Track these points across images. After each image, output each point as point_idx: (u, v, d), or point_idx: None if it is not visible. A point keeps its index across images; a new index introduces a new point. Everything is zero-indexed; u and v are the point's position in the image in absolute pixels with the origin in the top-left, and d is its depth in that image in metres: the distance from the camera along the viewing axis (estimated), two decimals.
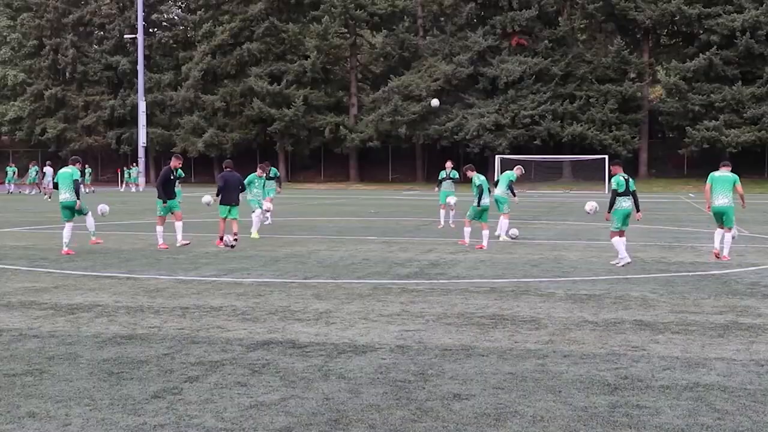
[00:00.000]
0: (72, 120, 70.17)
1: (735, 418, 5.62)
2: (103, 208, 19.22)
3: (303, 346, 7.71)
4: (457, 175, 22.85)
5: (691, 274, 12.96)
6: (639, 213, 14.61)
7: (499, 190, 19.68)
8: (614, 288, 11.40)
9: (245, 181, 19.03)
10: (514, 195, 20.09)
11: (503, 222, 19.02)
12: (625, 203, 14.31)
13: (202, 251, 16.03)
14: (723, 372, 6.83)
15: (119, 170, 62.30)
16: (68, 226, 16.03)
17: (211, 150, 65.02)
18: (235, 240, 16.85)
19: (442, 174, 23.06)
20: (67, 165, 17.05)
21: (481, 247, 16.69)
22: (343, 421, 5.50)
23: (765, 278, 12.49)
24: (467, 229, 17.22)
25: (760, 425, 5.48)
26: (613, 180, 14.53)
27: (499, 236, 18.81)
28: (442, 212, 22.50)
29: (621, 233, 14.21)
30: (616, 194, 14.23)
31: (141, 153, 64.14)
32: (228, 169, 18.00)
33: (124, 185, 58.83)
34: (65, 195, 16.20)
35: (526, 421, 5.51)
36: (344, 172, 66.17)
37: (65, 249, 15.66)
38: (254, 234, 18.98)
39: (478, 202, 16.90)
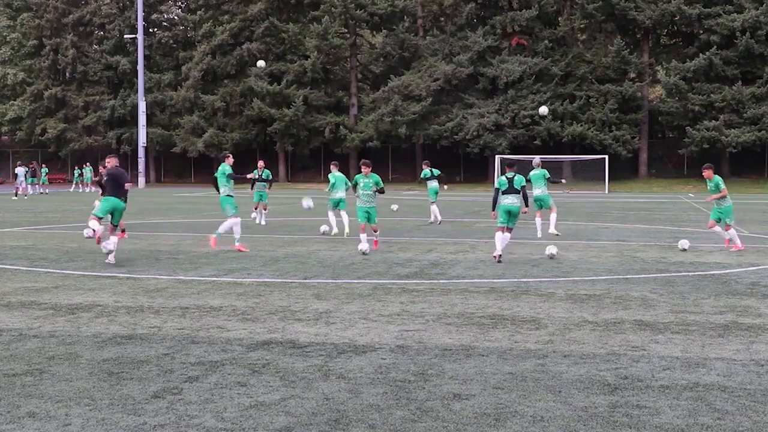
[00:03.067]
0: (72, 120, 70.23)
1: (735, 418, 5.62)
2: (308, 203, 19.29)
3: (303, 346, 7.71)
4: (439, 172, 24.35)
5: (691, 274, 12.96)
6: (526, 208, 15.36)
7: (538, 191, 19.75)
8: (614, 288, 11.40)
9: (352, 183, 17.60)
10: (555, 182, 20.39)
11: (552, 216, 19.53)
12: (505, 200, 14.88)
13: (202, 251, 16.02)
14: (723, 372, 6.83)
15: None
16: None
17: (211, 150, 65.10)
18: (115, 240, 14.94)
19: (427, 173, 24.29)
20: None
21: (375, 246, 16.48)
22: (343, 421, 5.50)
23: (765, 278, 12.48)
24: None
25: (760, 425, 5.48)
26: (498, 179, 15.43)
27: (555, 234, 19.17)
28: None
29: (502, 229, 14.79)
30: (497, 192, 15.02)
31: (141, 153, 64.17)
32: (112, 165, 15.87)
33: (73, 185, 57.20)
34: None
35: (526, 421, 5.51)
36: (344, 172, 65.78)
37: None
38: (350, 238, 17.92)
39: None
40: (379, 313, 9.40)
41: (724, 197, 16.73)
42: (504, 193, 14.87)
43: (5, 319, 8.99)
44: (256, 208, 23.42)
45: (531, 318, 9.14)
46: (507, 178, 15.03)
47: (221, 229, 16.38)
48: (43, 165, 58.64)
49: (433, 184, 23.88)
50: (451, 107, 60.77)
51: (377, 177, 16.74)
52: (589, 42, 63.31)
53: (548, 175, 20.07)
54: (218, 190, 16.61)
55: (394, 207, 25.08)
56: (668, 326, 8.70)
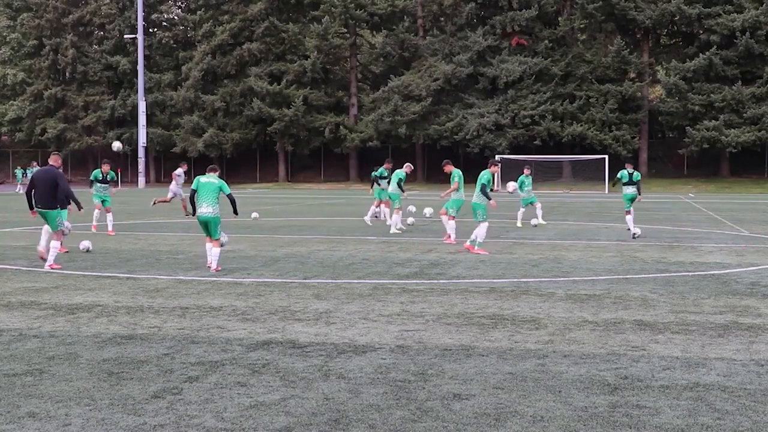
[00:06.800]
0: (72, 120, 70.18)
1: (735, 418, 5.62)
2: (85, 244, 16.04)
3: (303, 346, 7.71)
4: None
5: (691, 274, 12.96)
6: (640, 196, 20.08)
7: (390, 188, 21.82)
8: (614, 288, 11.40)
9: (483, 180, 15.93)
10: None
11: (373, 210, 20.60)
12: (626, 190, 20.06)
13: (202, 251, 16.00)
14: (723, 372, 6.83)
15: (119, 170, 62.14)
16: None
17: (211, 150, 65.09)
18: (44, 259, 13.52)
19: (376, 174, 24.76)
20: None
21: (217, 269, 13.07)
22: (343, 421, 5.50)
23: (765, 278, 12.49)
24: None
25: (760, 425, 5.48)
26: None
27: None
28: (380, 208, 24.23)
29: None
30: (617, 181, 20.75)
31: (141, 153, 64.15)
32: (36, 165, 14.48)
33: (19, 186, 56.49)
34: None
35: (526, 421, 5.51)
36: (344, 172, 66.20)
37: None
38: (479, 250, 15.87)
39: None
40: (379, 313, 9.40)
41: (455, 190, 17.74)
42: (625, 184, 20.07)
43: (5, 319, 8.99)
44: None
45: (531, 318, 9.14)
46: (629, 173, 20.12)
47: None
48: (31, 165, 57.38)
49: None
50: (451, 107, 60.75)
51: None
52: (589, 42, 63.27)
53: (403, 177, 21.52)
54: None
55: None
56: (668, 326, 8.69)
